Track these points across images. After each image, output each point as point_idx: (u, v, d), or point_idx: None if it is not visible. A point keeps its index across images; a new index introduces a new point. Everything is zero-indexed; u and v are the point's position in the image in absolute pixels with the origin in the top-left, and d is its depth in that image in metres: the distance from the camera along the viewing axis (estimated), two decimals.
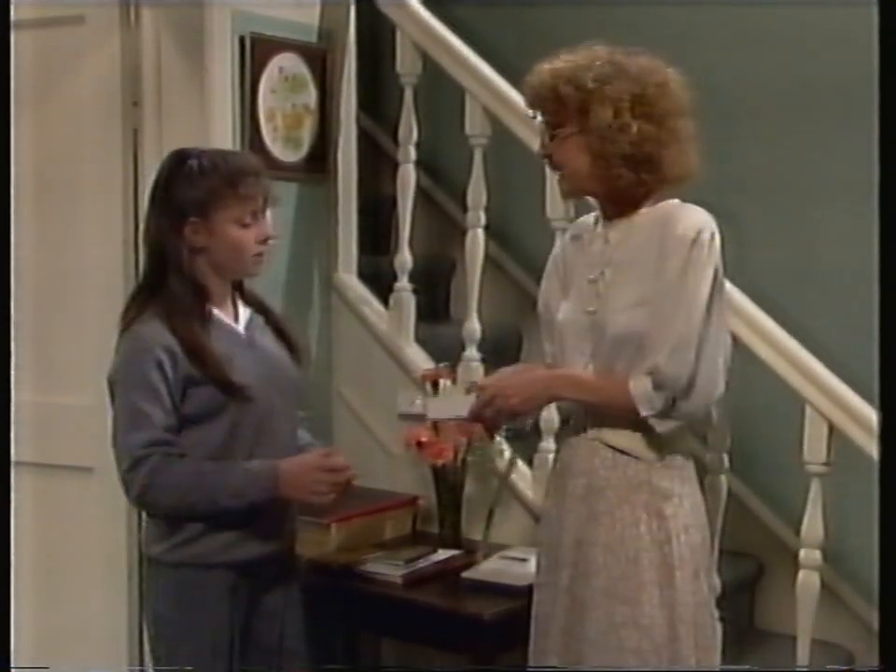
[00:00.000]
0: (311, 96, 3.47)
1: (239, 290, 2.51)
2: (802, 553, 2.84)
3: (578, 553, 2.26)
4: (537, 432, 3.13)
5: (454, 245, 3.86)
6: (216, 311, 2.42)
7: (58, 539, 3.43)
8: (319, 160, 3.51)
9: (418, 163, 3.50)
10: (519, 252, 4.10)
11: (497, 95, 3.25)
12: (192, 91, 3.22)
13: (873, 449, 2.66)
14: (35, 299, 3.36)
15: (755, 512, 3.57)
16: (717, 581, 2.65)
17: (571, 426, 2.35)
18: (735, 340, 2.66)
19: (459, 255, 3.57)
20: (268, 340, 2.51)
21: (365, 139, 3.87)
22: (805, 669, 2.86)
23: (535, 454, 3.16)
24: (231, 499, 2.33)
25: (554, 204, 3.07)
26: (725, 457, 2.90)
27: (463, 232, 3.38)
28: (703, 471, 2.43)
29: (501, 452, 3.19)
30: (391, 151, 3.78)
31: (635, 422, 2.23)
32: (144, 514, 2.50)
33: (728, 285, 2.42)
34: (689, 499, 2.27)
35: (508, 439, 3.17)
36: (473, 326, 3.32)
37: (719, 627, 2.40)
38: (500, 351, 3.65)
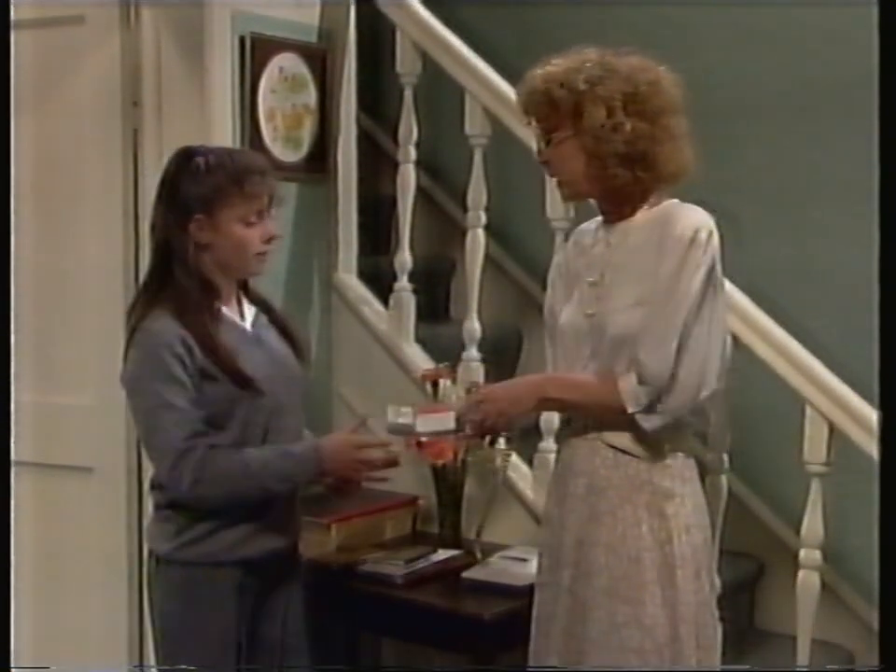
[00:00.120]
0: (311, 96, 3.47)
1: (244, 288, 2.52)
2: (802, 553, 2.84)
3: (579, 553, 2.26)
4: (537, 432, 3.13)
5: (454, 245, 3.86)
6: (223, 308, 2.43)
7: (58, 539, 3.43)
8: (319, 160, 3.51)
9: (418, 163, 3.50)
10: (519, 252, 4.10)
11: (497, 95, 3.25)
12: (192, 91, 3.22)
13: (873, 449, 2.67)
14: (36, 298, 3.36)
15: (755, 512, 3.57)
16: (717, 581, 2.65)
17: (572, 426, 2.35)
18: (735, 340, 2.67)
19: (459, 255, 3.57)
20: (273, 337, 2.52)
21: (365, 139, 3.87)
22: (805, 669, 2.86)
23: (535, 454, 3.16)
24: (279, 483, 2.37)
25: (554, 204, 3.07)
26: (725, 457, 2.90)
27: (463, 232, 3.38)
28: (703, 471, 2.43)
29: (501, 451, 3.19)
30: (391, 151, 3.78)
31: (635, 422, 2.23)
32: (151, 512, 2.49)
33: (728, 285, 2.42)
34: (690, 499, 2.28)
35: (508, 440, 3.17)
36: (473, 326, 3.32)
37: (719, 627, 2.40)
38: (500, 351, 3.66)
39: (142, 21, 3.26)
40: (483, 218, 3.31)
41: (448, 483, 3.18)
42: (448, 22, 3.45)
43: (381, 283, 3.56)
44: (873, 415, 2.71)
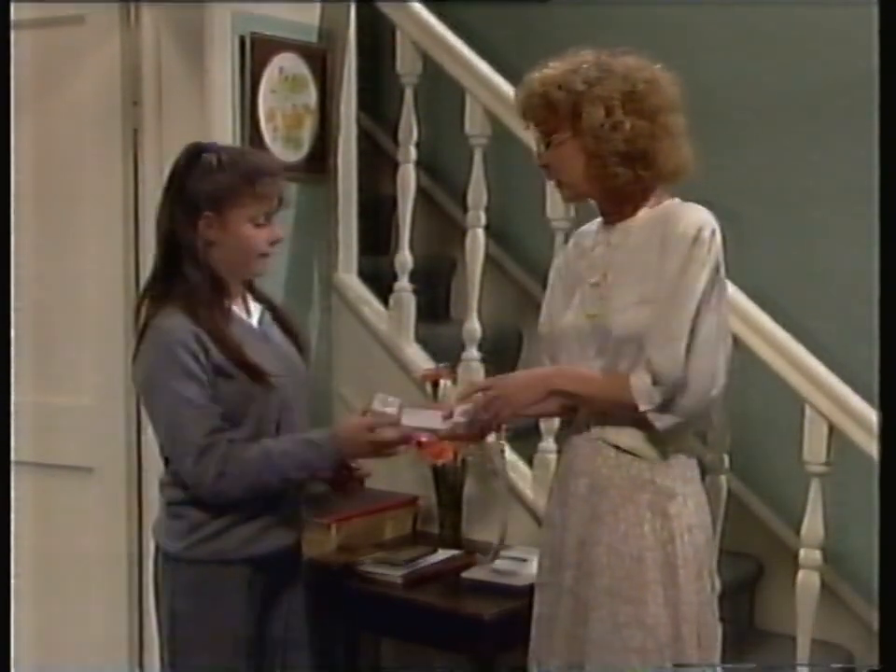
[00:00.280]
0: (311, 96, 3.47)
1: (248, 287, 2.53)
2: (802, 552, 2.84)
3: (581, 553, 2.26)
4: (537, 432, 3.13)
5: (454, 245, 3.86)
6: (231, 305, 2.44)
7: (58, 539, 3.43)
8: (319, 160, 3.51)
9: (418, 163, 3.50)
10: (519, 252, 4.10)
11: (497, 95, 3.25)
12: (192, 90, 3.22)
13: (873, 449, 2.67)
14: (35, 298, 3.36)
15: (755, 512, 3.57)
16: (717, 581, 2.65)
17: (573, 425, 2.35)
18: (735, 340, 2.67)
19: (459, 255, 3.57)
20: (278, 334, 2.53)
21: (365, 139, 3.87)
22: (804, 670, 2.86)
23: (535, 454, 3.16)
24: (299, 472, 2.38)
25: (554, 205, 3.07)
26: (725, 457, 2.90)
27: (463, 232, 3.38)
28: (703, 471, 2.43)
29: (501, 451, 3.19)
30: (391, 151, 3.78)
31: (638, 421, 2.23)
32: (161, 510, 2.48)
33: (728, 285, 2.42)
34: (692, 499, 2.28)
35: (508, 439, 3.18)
36: (473, 326, 3.32)
37: (719, 627, 2.40)
38: (500, 351, 3.66)
39: (142, 21, 3.27)
40: (483, 218, 3.31)
41: (448, 483, 3.19)
42: (448, 22, 3.45)
43: (381, 283, 3.56)
44: (873, 415, 2.71)
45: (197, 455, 2.31)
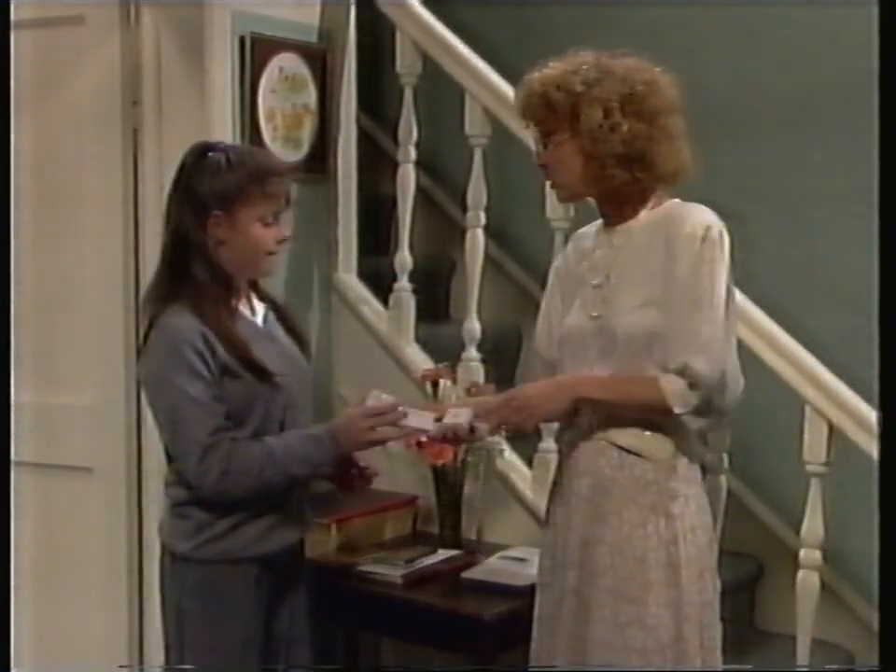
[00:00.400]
0: (311, 96, 3.47)
1: (254, 286, 2.54)
2: (802, 553, 2.84)
3: (584, 553, 2.26)
4: (536, 432, 3.13)
5: (454, 245, 3.86)
6: (238, 305, 2.45)
7: (58, 539, 3.43)
8: (319, 160, 3.51)
9: (418, 163, 3.50)
10: (519, 252, 4.10)
11: (497, 95, 3.25)
12: (192, 90, 3.22)
13: (873, 449, 2.67)
14: (35, 298, 3.36)
15: (755, 512, 3.57)
16: (718, 582, 2.65)
17: (575, 426, 2.34)
18: (737, 340, 2.66)
19: (459, 255, 3.57)
20: (281, 334, 2.54)
21: (365, 139, 3.87)
22: (805, 669, 2.86)
23: (535, 454, 3.16)
24: (300, 468, 2.37)
25: (554, 205, 3.07)
26: (725, 457, 2.90)
27: (463, 232, 3.38)
28: (703, 471, 2.43)
29: (501, 451, 3.20)
30: (391, 151, 3.78)
31: (642, 421, 2.23)
32: (166, 510, 2.49)
33: None
34: (695, 499, 2.28)
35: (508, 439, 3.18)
36: (473, 326, 3.32)
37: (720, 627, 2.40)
38: (500, 351, 3.66)
39: (142, 21, 3.26)
40: (483, 218, 3.31)
41: (448, 483, 3.18)
42: (448, 22, 3.45)
43: (381, 283, 3.56)
44: (873, 415, 2.71)
45: (200, 454, 2.31)
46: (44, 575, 3.41)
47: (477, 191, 3.31)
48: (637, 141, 2.21)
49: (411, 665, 3.36)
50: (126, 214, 3.30)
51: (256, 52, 3.27)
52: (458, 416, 2.33)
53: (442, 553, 3.02)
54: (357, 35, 3.58)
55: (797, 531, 2.89)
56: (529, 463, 3.20)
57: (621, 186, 2.25)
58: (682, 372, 2.16)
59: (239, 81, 3.26)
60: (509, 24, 4.03)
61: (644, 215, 2.28)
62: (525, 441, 3.18)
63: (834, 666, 3.13)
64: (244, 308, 2.47)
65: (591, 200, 2.37)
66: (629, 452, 2.25)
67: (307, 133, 3.47)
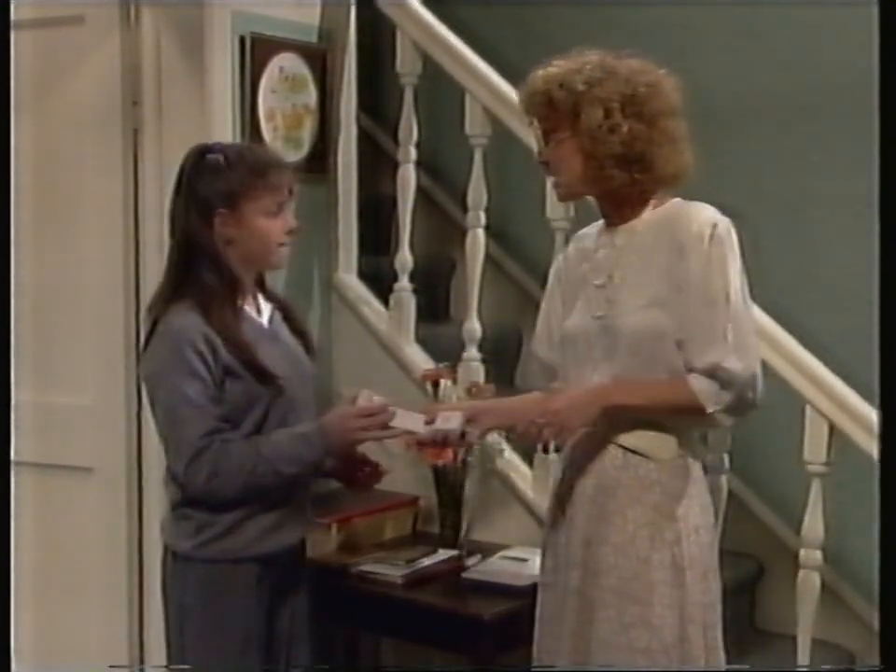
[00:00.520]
0: (311, 96, 3.47)
1: (260, 285, 2.54)
2: (802, 552, 2.84)
3: (587, 553, 2.26)
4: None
5: (454, 245, 3.86)
6: (243, 305, 2.45)
7: (58, 539, 3.43)
8: (319, 160, 3.51)
9: (418, 163, 3.50)
10: (519, 252, 4.10)
11: (497, 95, 3.25)
12: (192, 90, 3.22)
13: (873, 449, 2.67)
14: (36, 298, 3.36)
15: (755, 512, 3.57)
16: (719, 582, 2.66)
17: None
18: None
19: (459, 255, 3.57)
20: (286, 334, 2.54)
21: (365, 139, 3.87)
22: (805, 669, 2.87)
23: (535, 454, 3.16)
24: (290, 466, 2.36)
25: (554, 205, 3.07)
26: (725, 457, 2.90)
27: (463, 232, 3.38)
28: (703, 471, 2.43)
29: (501, 451, 3.20)
30: (391, 151, 3.78)
31: (646, 421, 2.23)
32: (167, 509, 2.49)
33: None
34: (698, 500, 2.28)
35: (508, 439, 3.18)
36: (473, 326, 3.32)
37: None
38: (500, 351, 3.66)
39: (142, 21, 3.27)
40: (483, 218, 3.31)
41: (448, 483, 3.18)
42: (448, 22, 3.45)
43: (381, 283, 3.56)
44: (873, 415, 2.71)
45: (191, 456, 2.32)
46: (44, 575, 3.41)
47: (477, 191, 3.31)
48: (636, 142, 2.21)
49: (411, 665, 3.36)
50: (126, 214, 3.30)
51: (256, 52, 3.27)
52: (449, 421, 2.33)
53: (442, 553, 3.02)
54: (357, 35, 3.58)
55: (797, 531, 2.89)
56: (529, 463, 3.20)
57: (620, 186, 2.25)
58: (713, 372, 2.15)
59: (239, 81, 3.26)
60: (509, 24, 4.03)
61: (647, 215, 2.28)
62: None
63: (834, 666, 3.13)
64: (249, 308, 2.47)
65: (592, 200, 2.37)
66: (634, 452, 2.25)
67: (307, 132, 3.47)
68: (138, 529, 3.34)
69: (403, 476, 3.27)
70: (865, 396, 2.76)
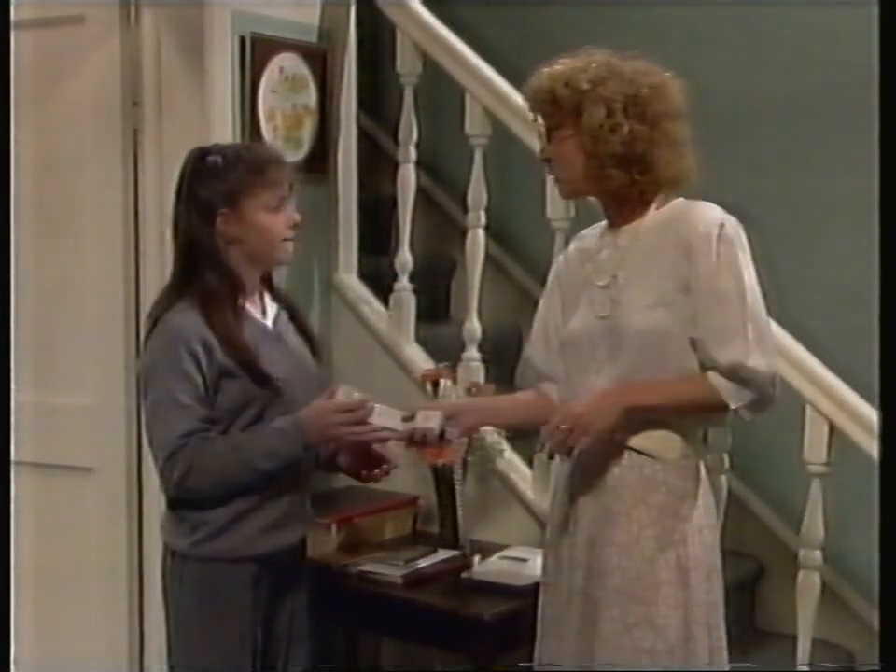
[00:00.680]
0: (311, 96, 3.47)
1: (268, 285, 2.54)
2: (802, 552, 2.84)
3: (591, 554, 2.25)
4: (536, 432, 3.13)
5: (454, 245, 3.86)
6: (246, 304, 2.45)
7: (58, 539, 3.43)
8: (319, 160, 3.51)
9: (418, 163, 3.50)
10: (519, 252, 4.10)
11: (497, 95, 3.25)
12: (192, 90, 3.22)
13: (873, 449, 2.67)
14: (36, 298, 3.36)
15: (755, 512, 3.57)
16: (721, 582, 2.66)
17: None
18: None
19: (459, 255, 3.57)
20: (293, 336, 2.54)
21: (365, 139, 3.87)
22: (805, 669, 2.87)
23: (535, 454, 3.16)
24: (267, 462, 2.36)
25: (554, 204, 3.07)
26: (725, 457, 2.90)
27: (463, 232, 3.38)
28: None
29: (501, 451, 3.19)
30: (391, 151, 3.78)
31: (652, 421, 2.22)
32: (165, 509, 2.49)
33: None
34: (703, 500, 2.27)
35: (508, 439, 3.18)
36: (473, 326, 3.32)
37: None
38: (500, 351, 3.66)
39: (142, 21, 3.26)
40: (483, 218, 3.31)
41: (448, 483, 3.18)
42: (448, 22, 3.45)
43: (381, 283, 3.56)
44: (873, 415, 2.71)
45: (169, 453, 2.33)
46: (44, 575, 3.41)
47: (477, 191, 3.31)
48: (637, 143, 2.21)
49: (411, 665, 3.36)
50: (126, 214, 3.30)
51: (256, 52, 3.27)
52: (429, 420, 2.33)
53: (442, 553, 3.02)
54: (357, 35, 3.58)
55: (797, 531, 2.89)
56: (529, 463, 3.20)
57: (620, 186, 2.24)
58: (735, 370, 2.15)
59: (239, 81, 3.26)
60: (509, 24, 4.03)
61: (650, 215, 2.28)
62: (525, 441, 3.17)
63: (834, 666, 3.13)
64: (253, 308, 2.47)
65: (594, 200, 2.37)
66: (639, 452, 2.24)
67: (307, 132, 3.47)
68: (138, 529, 3.34)
69: (403, 476, 3.27)
70: (865, 396, 2.76)
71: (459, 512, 3.12)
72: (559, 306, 2.41)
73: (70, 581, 3.42)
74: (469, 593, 2.86)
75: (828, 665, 3.04)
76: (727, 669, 2.32)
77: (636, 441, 2.24)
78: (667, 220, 2.26)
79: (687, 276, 2.19)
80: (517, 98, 3.14)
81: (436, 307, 4.06)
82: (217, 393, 2.35)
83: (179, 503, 2.42)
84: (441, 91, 3.44)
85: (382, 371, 3.43)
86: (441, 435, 2.36)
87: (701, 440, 2.33)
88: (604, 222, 2.37)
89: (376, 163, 4.06)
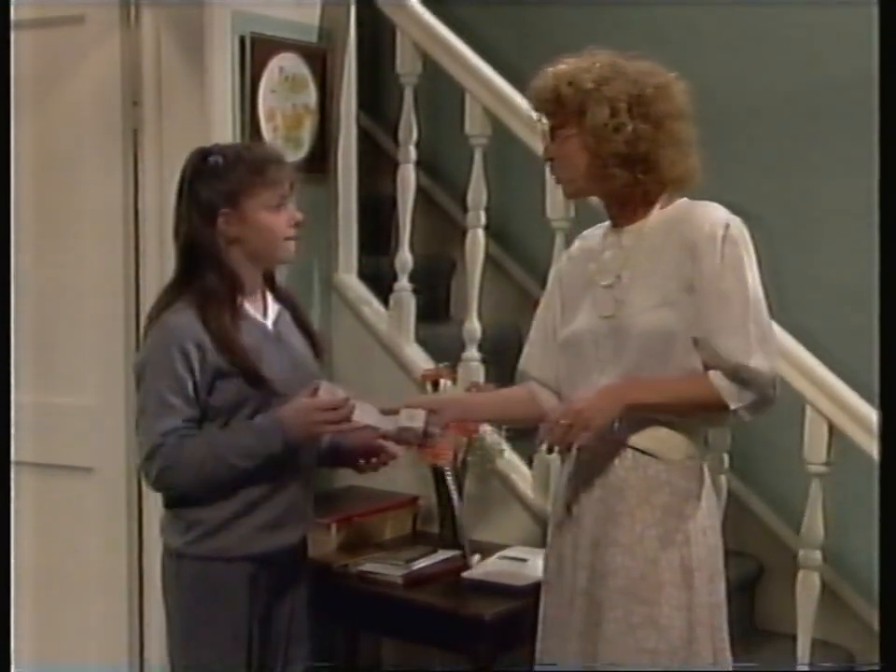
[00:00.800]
0: (311, 96, 3.47)
1: (270, 285, 2.54)
2: (802, 553, 2.84)
3: (595, 554, 2.25)
4: (536, 432, 3.13)
5: (454, 245, 3.86)
6: (246, 305, 2.46)
7: (58, 539, 3.43)
8: (319, 159, 3.51)
9: (418, 163, 3.50)
10: (519, 252, 4.10)
11: (497, 95, 3.25)
12: (192, 90, 3.22)
13: (873, 449, 2.67)
14: (36, 298, 3.36)
15: (755, 512, 3.57)
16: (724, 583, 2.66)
17: None
18: None
19: (459, 255, 3.57)
20: (294, 336, 2.54)
21: (365, 139, 3.87)
22: (805, 669, 2.87)
23: (535, 454, 3.16)
24: (243, 459, 2.36)
25: (554, 204, 3.07)
26: (725, 457, 2.90)
27: (463, 232, 3.38)
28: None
29: (501, 451, 3.19)
30: (391, 151, 3.78)
31: (657, 421, 2.22)
32: (162, 508, 2.50)
33: None
34: (706, 500, 2.28)
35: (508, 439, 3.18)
36: (473, 326, 3.32)
37: None
38: (500, 351, 3.65)
39: (142, 20, 3.26)
40: (483, 218, 3.31)
41: (448, 483, 3.18)
42: (448, 22, 3.45)
43: (381, 283, 3.56)
44: (873, 415, 2.71)
45: (148, 451, 2.36)
46: (44, 574, 3.41)
47: (477, 191, 3.31)
48: (640, 142, 2.20)
49: (411, 665, 3.36)
50: (126, 214, 3.30)
51: (256, 52, 3.27)
52: (412, 419, 2.34)
53: (442, 553, 3.02)
54: (357, 35, 3.58)
55: (797, 531, 2.89)
56: (529, 463, 3.20)
57: (623, 186, 2.24)
58: (737, 370, 2.15)
59: (239, 81, 3.26)
60: (509, 24, 4.03)
61: (654, 215, 2.28)
62: (525, 441, 3.17)
63: (834, 666, 3.13)
64: (254, 308, 2.48)
65: (597, 201, 2.37)
66: (643, 452, 2.24)
67: (307, 132, 3.47)
68: (138, 529, 3.34)
69: (403, 476, 3.28)
70: (865, 396, 2.76)
71: (457, 510, 3.12)
72: (559, 307, 2.41)
73: (70, 580, 3.42)
74: (468, 593, 2.86)
75: (828, 665, 3.05)
76: (727, 669, 2.32)
77: (640, 441, 2.24)
78: (672, 220, 2.25)
79: (691, 276, 2.19)
80: (517, 98, 3.15)
81: (436, 307, 4.06)
82: (212, 392, 2.36)
83: (175, 502, 2.43)
84: (441, 91, 3.44)
85: (382, 371, 3.43)
86: (425, 434, 2.36)
87: (703, 440, 2.33)
88: (607, 222, 2.36)
89: (376, 163, 4.06)
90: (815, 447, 2.80)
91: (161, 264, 3.12)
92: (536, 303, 2.53)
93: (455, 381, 3.22)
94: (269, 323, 2.50)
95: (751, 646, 3.25)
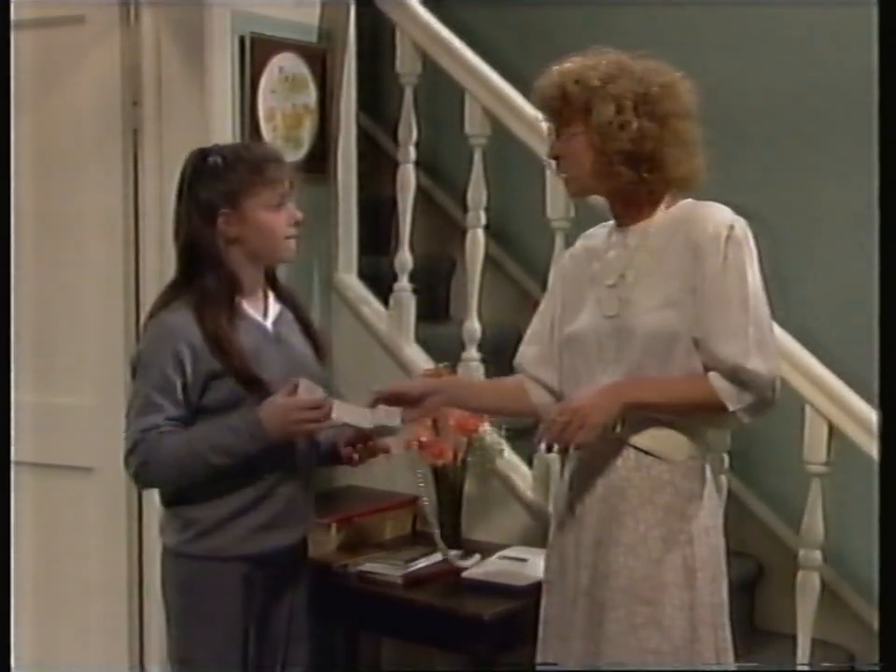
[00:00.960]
0: (311, 96, 3.47)
1: (272, 285, 2.54)
2: (802, 553, 2.84)
3: (597, 554, 2.25)
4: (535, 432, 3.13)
5: (454, 245, 3.86)
6: (245, 305, 2.46)
7: (58, 539, 3.43)
8: (319, 159, 3.51)
9: (418, 163, 3.50)
10: (519, 252, 4.10)
11: (497, 95, 3.25)
12: (192, 90, 3.22)
13: (873, 449, 2.67)
14: (36, 298, 3.36)
15: (755, 512, 3.57)
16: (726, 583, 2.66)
17: None
18: None
19: (459, 255, 3.57)
20: (295, 336, 2.54)
21: (365, 139, 3.87)
22: (805, 669, 2.87)
23: (535, 454, 3.16)
24: (219, 457, 2.36)
25: (554, 204, 3.07)
26: (725, 457, 2.90)
27: (463, 232, 3.38)
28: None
29: (501, 451, 3.19)
30: (391, 151, 3.78)
31: (659, 422, 2.22)
32: (161, 507, 2.52)
33: None
34: (709, 501, 2.28)
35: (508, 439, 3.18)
36: (473, 326, 3.32)
37: None
38: (500, 351, 3.65)
39: (142, 21, 3.26)
40: (483, 218, 3.31)
41: (448, 483, 3.18)
42: (448, 22, 3.45)
43: (381, 283, 3.56)
44: (873, 415, 2.71)
45: (129, 447, 2.39)
46: (44, 575, 3.41)
47: (477, 191, 3.31)
48: (646, 141, 2.20)
49: (411, 665, 3.36)
50: (126, 214, 3.30)
51: (256, 52, 3.27)
52: (390, 416, 2.36)
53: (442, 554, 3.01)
54: (357, 35, 3.58)
55: (797, 531, 2.89)
56: (529, 463, 3.20)
57: (628, 185, 2.24)
58: (735, 372, 2.15)
59: (239, 81, 3.26)
60: (509, 24, 4.03)
61: (659, 215, 2.28)
62: (525, 441, 3.17)
63: (834, 666, 3.13)
64: (254, 308, 2.48)
65: (598, 200, 2.37)
66: (646, 453, 2.24)
67: (307, 132, 3.47)
68: (138, 529, 3.34)
69: (403, 476, 3.28)
70: (865, 396, 2.76)
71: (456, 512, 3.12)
72: (559, 305, 2.41)
73: (70, 581, 3.42)
74: (468, 593, 2.86)
75: (828, 665, 3.05)
76: (730, 669, 2.31)
77: (643, 441, 2.24)
78: (676, 220, 2.25)
79: (694, 277, 2.19)
80: (517, 98, 3.15)
81: (436, 307, 4.07)
82: (206, 392, 2.37)
83: (172, 500, 2.44)
84: (441, 91, 3.44)
85: (382, 371, 3.43)
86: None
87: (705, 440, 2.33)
88: (611, 222, 2.36)
89: (376, 163, 4.06)
90: (815, 447, 2.80)
91: (160, 264, 3.12)
92: (536, 303, 2.53)
93: None
94: (268, 323, 2.50)
95: (751, 646, 3.25)
